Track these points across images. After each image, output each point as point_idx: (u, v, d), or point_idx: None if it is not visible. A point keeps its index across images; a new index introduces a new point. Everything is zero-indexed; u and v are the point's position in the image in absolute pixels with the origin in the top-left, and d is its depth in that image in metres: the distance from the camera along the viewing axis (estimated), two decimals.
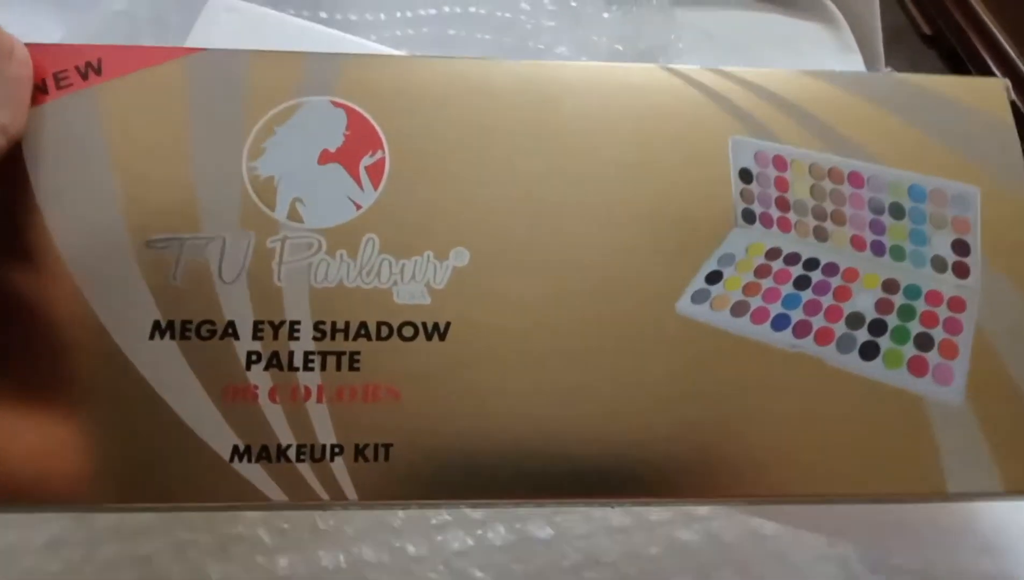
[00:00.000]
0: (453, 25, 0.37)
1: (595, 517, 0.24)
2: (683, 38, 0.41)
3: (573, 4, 0.40)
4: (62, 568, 0.23)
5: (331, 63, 0.22)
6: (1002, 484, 0.20)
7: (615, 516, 0.24)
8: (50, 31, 0.33)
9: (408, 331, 0.20)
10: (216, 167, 0.21)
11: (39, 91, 0.21)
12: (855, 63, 0.45)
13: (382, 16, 0.36)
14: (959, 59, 0.77)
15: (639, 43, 0.39)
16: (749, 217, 0.22)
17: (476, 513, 0.34)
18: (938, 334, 0.21)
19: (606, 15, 0.39)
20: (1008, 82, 0.24)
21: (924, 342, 0.21)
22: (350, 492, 0.19)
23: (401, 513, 0.34)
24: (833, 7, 0.49)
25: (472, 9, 0.37)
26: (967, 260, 0.22)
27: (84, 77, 0.22)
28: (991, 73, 0.75)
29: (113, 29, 0.31)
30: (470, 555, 0.24)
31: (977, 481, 0.20)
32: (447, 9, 0.36)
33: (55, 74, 0.22)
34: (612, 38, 0.39)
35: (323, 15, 0.35)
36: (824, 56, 0.46)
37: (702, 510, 0.31)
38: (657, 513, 0.34)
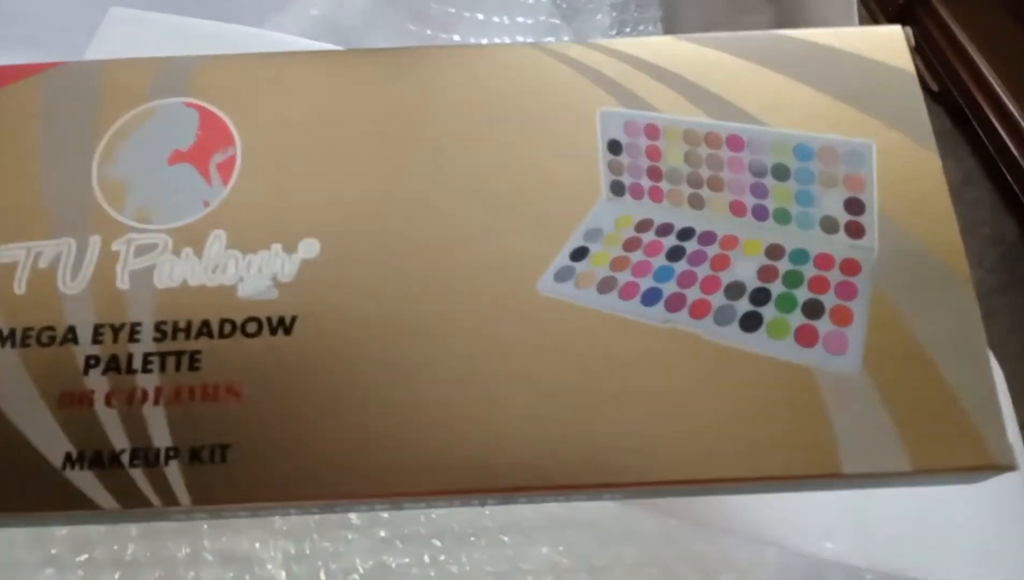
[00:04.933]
0: None
1: None
2: None
3: None
4: None
5: (184, 65, 0.22)
6: (910, 462, 0.18)
7: None
8: None
9: (252, 327, 0.19)
10: (65, 175, 0.21)
11: None
12: None
13: None
14: (964, 115, 0.77)
15: None
16: (618, 189, 0.21)
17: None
18: (829, 300, 0.19)
19: None
20: (910, 30, 0.22)
21: (813, 309, 0.19)
22: (183, 497, 0.18)
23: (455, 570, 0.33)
24: None
25: None
26: (861, 219, 0.20)
27: None
28: (994, 128, 0.73)
29: None
30: None
31: (879, 460, 0.18)
32: None
33: None
34: None
35: None
36: None
37: None
38: None
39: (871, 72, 0.22)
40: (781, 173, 0.21)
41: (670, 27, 0.51)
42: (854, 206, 0.20)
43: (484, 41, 0.49)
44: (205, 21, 0.27)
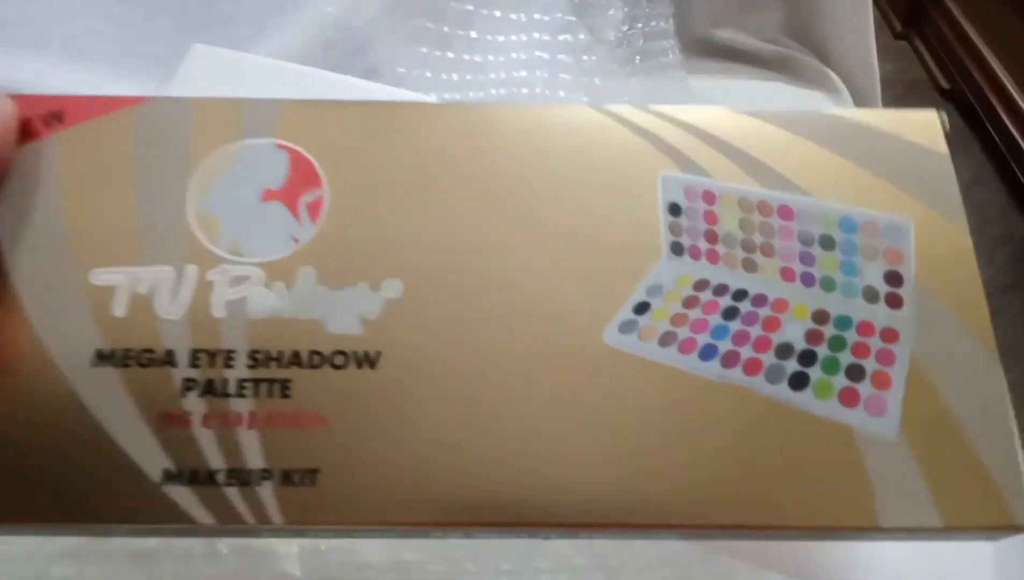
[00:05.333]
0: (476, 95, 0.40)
1: None
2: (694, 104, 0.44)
3: (597, 81, 0.42)
4: None
5: (271, 107, 0.24)
6: (941, 519, 0.20)
7: None
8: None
9: (339, 360, 0.21)
10: (161, 205, 0.22)
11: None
12: None
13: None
14: (975, 113, 0.78)
15: None
16: (677, 249, 0.22)
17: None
18: (870, 365, 0.21)
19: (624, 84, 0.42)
20: (944, 114, 0.24)
21: (856, 373, 0.21)
22: (276, 516, 0.20)
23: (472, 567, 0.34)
24: (836, 78, 0.52)
25: (492, 91, 0.39)
26: (900, 290, 0.22)
27: (47, 125, 0.23)
28: (1005, 126, 0.75)
29: None
30: None
31: (913, 516, 0.20)
32: (469, 77, 0.39)
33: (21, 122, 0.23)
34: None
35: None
36: None
37: None
38: None
39: (909, 153, 0.24)
40: (827, 243, 0.23)
41: (682, 23, 0.52)
42: (893, 278, 0.22)
43: (500, 39, 0.50)
44: (285, 63, 0.28)
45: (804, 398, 0.21)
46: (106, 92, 0.36)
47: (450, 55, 0.43)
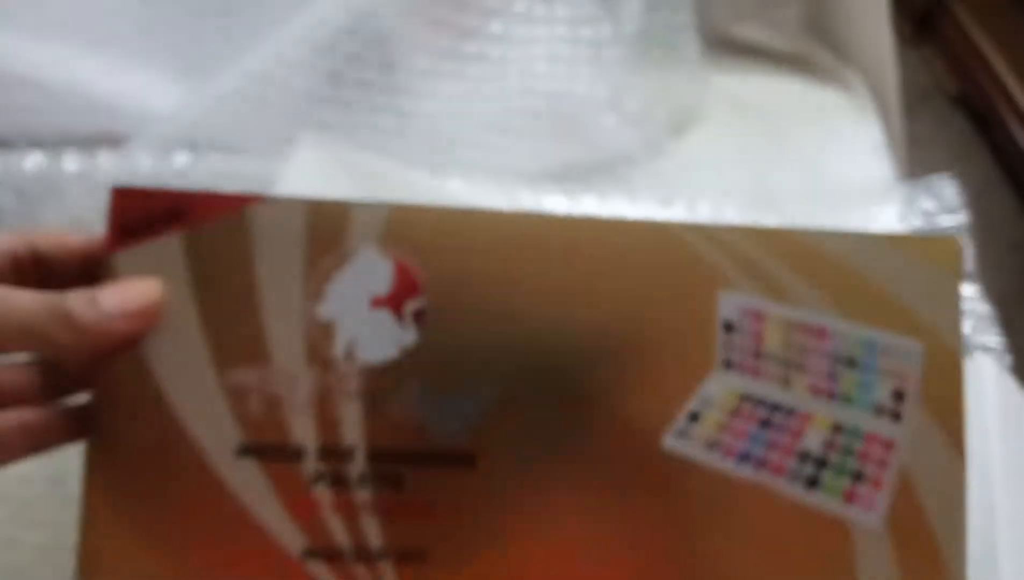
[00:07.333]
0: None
1: None
2: (713, 100, 0.46)
3: (616, 82, 0.42)
4: None
5: (378, 211, 0.26)
6: None
7: None
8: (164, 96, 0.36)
9: (442, 459, 0.25)
10: (282, 306, 0.25)
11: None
12: (873, 129, 0.50)
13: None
14: (984, 120, 0.78)
15: (670, 103, 0.44)
16: (728, 365, 0.26)
17: None
18: (869, 470, 0.26)
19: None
20: (962, 240, 0.28)
21: (857, 476, 0.26)
22: None
23: None
24: (854, 76, 0.53)
25: (512, 83, 0.41)
26: (902, 407, 0.27)
27: (167, 224, 0.25)
28: (1011, 135, 0.74)
29: (223, 105, 0.35)
30: None
31: None
32: (488, 71, 0.40)
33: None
34: (653, 113, 0.43)
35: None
36: (843, 121, 0.50)
37: None
38: None
39: (927, 279, 0.27)
40: (851, 363, 0.27)
41: (701, 17, 0.51)
42: (899, 395, 0.27)
43: (522, 32, 0.48)
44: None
45: (815, 496, 0.26)
46: (128, 78, 0.36)
47: (471, 49, 0.44)
